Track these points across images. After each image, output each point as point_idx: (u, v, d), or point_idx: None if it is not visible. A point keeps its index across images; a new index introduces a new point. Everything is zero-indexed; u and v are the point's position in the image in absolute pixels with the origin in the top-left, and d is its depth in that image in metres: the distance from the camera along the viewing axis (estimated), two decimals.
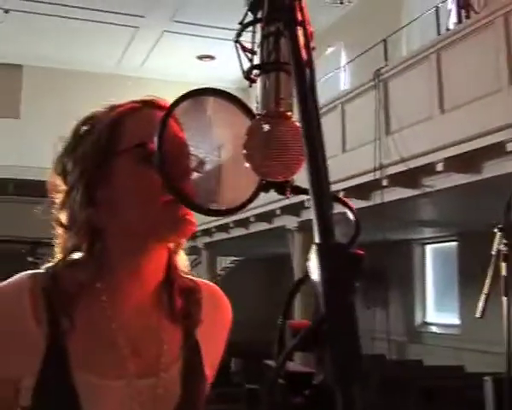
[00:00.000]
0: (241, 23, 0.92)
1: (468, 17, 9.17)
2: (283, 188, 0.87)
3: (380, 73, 8.89)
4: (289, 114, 0.87)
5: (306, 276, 0.77)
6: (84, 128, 1.27)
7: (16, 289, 1.19)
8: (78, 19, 16.79)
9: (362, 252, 0.66)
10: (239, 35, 0.93)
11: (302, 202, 9.99)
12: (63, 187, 1.25)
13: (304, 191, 0.89)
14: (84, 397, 1.15)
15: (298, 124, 0.87)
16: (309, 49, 0.82)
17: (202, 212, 1.02)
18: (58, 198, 1.26)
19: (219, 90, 1.02)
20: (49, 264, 1.25)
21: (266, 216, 11.83)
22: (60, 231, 1.26)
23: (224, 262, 19.21)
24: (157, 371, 1.24)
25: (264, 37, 0.89)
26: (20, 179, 17.97)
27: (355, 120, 9.35)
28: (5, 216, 15.73)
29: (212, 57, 19.49)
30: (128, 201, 1.20)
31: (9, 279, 1.21)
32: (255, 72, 0.91)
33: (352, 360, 0.60)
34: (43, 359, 1.16)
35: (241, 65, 0.93)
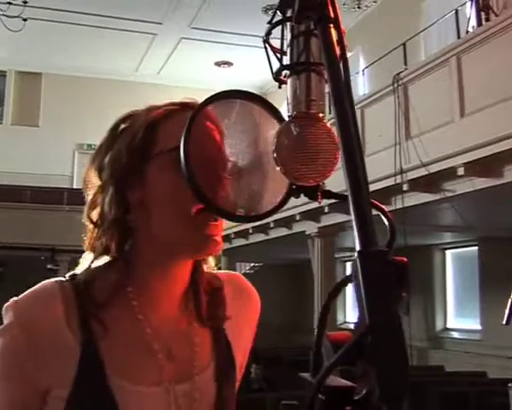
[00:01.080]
0: (269, 22, 0.89)
1: (487, 20, 9.10)
2: (314, 192, 0.84)
3: (399, 77, 8.85)
4: (321, 115, 0.84)
5: (340, 284, 0.74)
6: (123, 126, 1.25)
7: (46, 296, 1.17)
8: (96, 27, 16.90)
9: (405, 259, 0.63)
10: (268, 34, 0.90)
11: (322, 208, 9.96)
12: (97, 183, 1.23)
13: (335, 196, 0.87)
14: (122, 404, 1.13)
15: (329, 126, 0.84)
16: (342, 45, 0.79)
17: (230, 218, 1.00)
18: (91, 194, 1.23)
19: (248, 92, 1.00)
20: (76, 270, 1.23)
21: (286, 222, 11.79)
22: (90, 227, 1.23)
23: (244, 268, 19.20)
24: (192, 375, 1.22)
25: (294, 36, 0.86)
26: (38, 187, 18.07)
27: (375, 125, 9.30)
28: (24, 224, 15.81)
29: (229, 63, 19.54)
30: (159, 207, 1.17)
31: (36, 287, 1.18)
32: (285, 73, 0.88)
33: (399, 375, 0.56)
34: (78, 367, 1.13)
35: (270, 65, 0.90)
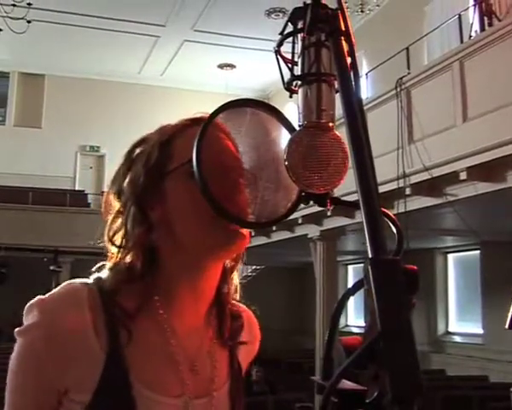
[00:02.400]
0: (281, 33, 0.91)
1: (490, 25, 9.12)
2: (323, 200, 0.86)
3: (402, 81, 8.86)
4: (331, 125, 0.86)
5: (351, 290, 0.76)
6: (138, 150, 1.26)
7: (74, 298, 1.16)
8: (99, 29, 16.94)
9: (415, 267, 0.65)
10: (280, 45, 0.92)
11: (324, 211, 9.98)
12: (116, 206, 1.25)
13: (344, 203, 0.89)
14: None
15: (339, 135, 0.86)
16: (354, 57, 0.81)
17: (242, 224, 1.01)
18: (111, 217, 1.25)
19: (258, 101, 1.02)
20: (99, 274, 1.23)
21: (288, 225, 11.80)
22: (113, 249, 1.24)
23: (245, 271, 19.20)
24: (210, 390, 1.24)
25: (305, 47, 0.88)
26: (41, 188, 18.08)
27: (377, 129, 9.31)
28: (26, 225, 15.81)
29: (232, 66, 19.56)
30: (180, 219, 1.18)
31: (63, 287, 1.18)
32: (295, 82, 0.90)
33: (410, 379, 0.58)
34: (102, 373, 1.13)
35: (282, 76, 0.92)
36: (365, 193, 0.68)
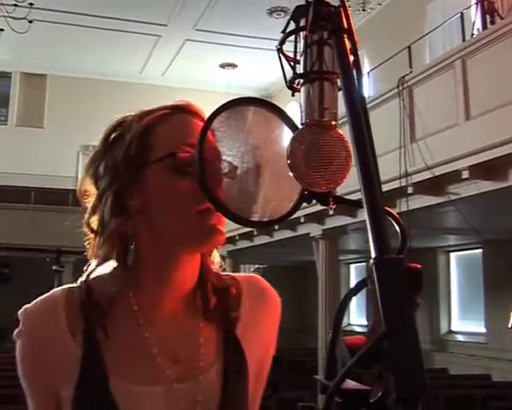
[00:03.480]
0: (283, 31, 0.91)
1: (493, 23, 9.10)
2: (326, 198, 0.86)
3: (404, 80, 8.85)
4: (333, 123, 0.86)
5: (354, 289, 0.75)
6: (114, 134, 1.26)
7: (50, 304, 1.22)
8: (101, 28, 16.93)
9: (419, 266, 0.64)
10: (282, 43, 0.92)
11: (326, 210, 9.97)
12: (94, 191, 1.24)
13: (346, 202, 0.88)
14: (124, 405, 1.15)
15: (342, 133, 0.86)
16: (356, 55, 0.81)
17: (245, 224, 1.01)
18: (89, 202, 1.25)
19: (261, 99, 1.01)
20: (83, 276, 1.25)
21: (290, 224, 11.78)
22: (90, 236, 1.25)
23: (248, 270, 19.21)
24: (196, 374, 1.23)
25: (308, 45, 0.88)
26: (43, 188, 18.08)
27: (379, 128, 9.30)
28: (28, 225, 15.83)
29: (234, 65, 19.54)
30: (159, 210, 1.18)
31: (45, 295, 1.24)
32: (298, 81, 0.90)
33: (415, 378, 0.58)
34: (81, 370, 1.16)
35: (284, 74, 0.92)
36: (369, 192, 0.68)
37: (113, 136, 1.25)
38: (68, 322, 1.19)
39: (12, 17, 13.77)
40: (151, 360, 1.20)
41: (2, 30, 15.18)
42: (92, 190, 1.25)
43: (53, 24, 16.51)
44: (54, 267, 11.19)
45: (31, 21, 14.15)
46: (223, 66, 19.65)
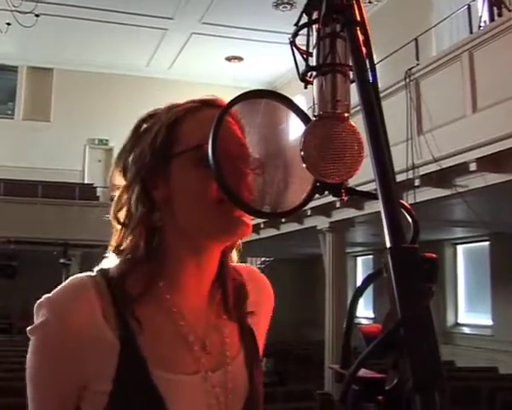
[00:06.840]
0: (296, 24, 0.91)
1: (500, 15, 9.07)
2: (338, 190, 0.87)
3: (411, 72, 8.84)
4: (346, 115, 0.86)
5: (372, 274, 0.76)
6: (144, 126, 1.27)
7: (83, 290, 1.17)
8: (107, 22, 16.95)
9: (434, 255, 0.65)
10: (295, 36, 0.92)
11: (333, 203, 9.98)
12: (122, 183, 1.25)
13: (359, 193, 0.89)
14: (166, 394, 1.14)
15: (354, 125, 0.86)
16: (370, 47, 0.81)
17: (255, 214, 1.02)
18: (116, 194, 1.26)
19: (273, 91, 1.02)
20: (103, 266, 1.24)
21: (297, 217, 11.79)
22: (117, 227, 1.24)
23: (255, 263, 19.22)
24: (224, 364, 1.25)
25: (320, 38, 0.88)
26: (50, 182, 18.13)
27: (386, 120, 9.27)
28: (35, 219, 15.87)
29: (240, 58, 19.54)
30: (184, 202, 1.19)
31: (67, 282, 1.18)
32: (310, 73, 0.90)
33: (431, 366, 0.59)
34: (119, 362, 1.13)
35: (297, 66, 0.92)
36: (383, 182, 0.69)
37: (143, 127, 1.27)
38: (103, 310, 1.16)
39: (18, 11, 13.80)
40: (189, 348, 1.21)
41: (8, 24, 15.21)
42: (120, 181, 1.26)
43: (59, 18, 16.53)
44: (61, 260, 11.24)
45: (37, 15, 14.18)
46: (229, 59, 19.65)
